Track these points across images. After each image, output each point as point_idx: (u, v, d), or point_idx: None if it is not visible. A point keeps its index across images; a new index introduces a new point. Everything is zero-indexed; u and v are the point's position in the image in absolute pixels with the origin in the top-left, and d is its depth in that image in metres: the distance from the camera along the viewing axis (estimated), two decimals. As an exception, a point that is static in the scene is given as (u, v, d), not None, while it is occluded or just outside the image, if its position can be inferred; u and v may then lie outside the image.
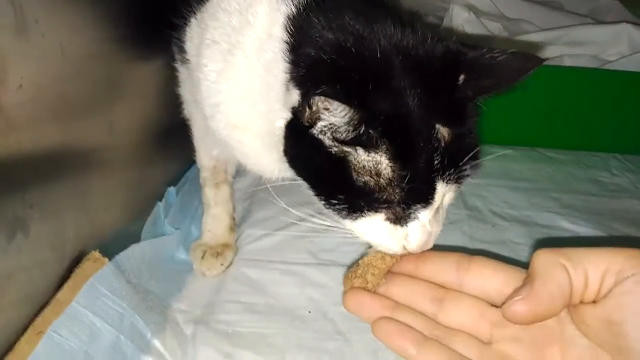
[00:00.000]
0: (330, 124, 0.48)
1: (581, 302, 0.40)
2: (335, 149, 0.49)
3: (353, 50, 0.49)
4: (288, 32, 0.53)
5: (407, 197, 0.49)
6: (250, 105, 0.56)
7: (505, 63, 0.50)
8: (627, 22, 1.25)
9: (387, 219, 0.50)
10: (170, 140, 0.85)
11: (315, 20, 0.52)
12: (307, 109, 0.49)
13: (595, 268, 0.38)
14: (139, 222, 0.76)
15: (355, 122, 0.46)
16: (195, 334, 0.65)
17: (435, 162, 0.48)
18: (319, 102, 0.47)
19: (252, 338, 0.66)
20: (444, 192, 0.50)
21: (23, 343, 0.50)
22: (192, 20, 0.64)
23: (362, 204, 0.50)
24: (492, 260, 0.47)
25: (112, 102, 0.67)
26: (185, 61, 0.68)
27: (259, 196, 0.94)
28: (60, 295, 0.55)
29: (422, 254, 0.50)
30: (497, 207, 0.97)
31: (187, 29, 0.65)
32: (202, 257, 0.76)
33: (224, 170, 0.81)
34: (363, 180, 0.49)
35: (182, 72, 0.73)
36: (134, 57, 0.73)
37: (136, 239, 0.73)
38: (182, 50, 0.68)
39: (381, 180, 0.48)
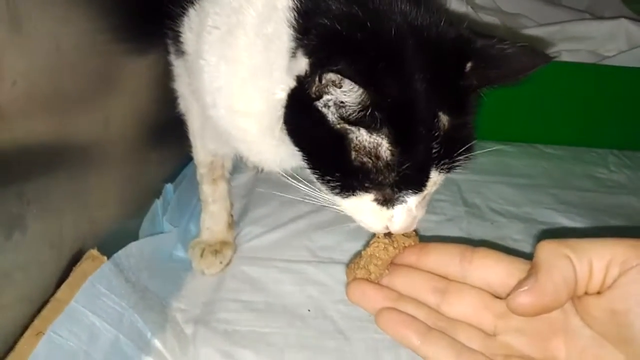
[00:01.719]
0: (337, 101, 0.47)
1: (585, 293, 0.39)
2: (338, 125, 0.48)
3: (368, 24, 0.48)
4: (290, 12, 0.51)
5: (400, 181, 0.49)
6: (251, 85, 0.55)
7: (514, 56, 0.49)
8: (625, 17, 1.25)
9: (376, 199, 0.50)
10: (168, 136, 0.84)
11: None
12: (317, 81, 0.47)
13: (599, 258, 0.38)
14: (137, 219, 0.76)
15: (365, 104, 0.46)
16: (195, 333, 0.65)
17: (434, 150, 0.48)
18: (332, 77, 0.46)
19: (252, 337, 0.66)
20: (435, 181, 0.50)
21: (23, 343, 0.49)
22: (191, 10, 0.63)
23: (356, 183, 0.50)
24: (495, 251, 0.46)
25: (108, 97, 0.67)
26: (180, 54, 0.68)
27: (256, 193, 0.93)
28: (59, 294, 0.54)
29: (425, 246, 0.50)
30: (496, 203, 0.97)
31: (186, 19, 0.64)
32: (201, 255, 0.76)
33: (221, 165, 0.80)
34: (361, 160, 0.48)
35: (178, 66, 0.72)
36: (130, 51, 0.72)
37: (134, 236, 0.72)
38: (178, 42, 0.67)
39: (379, 162, 0.48)
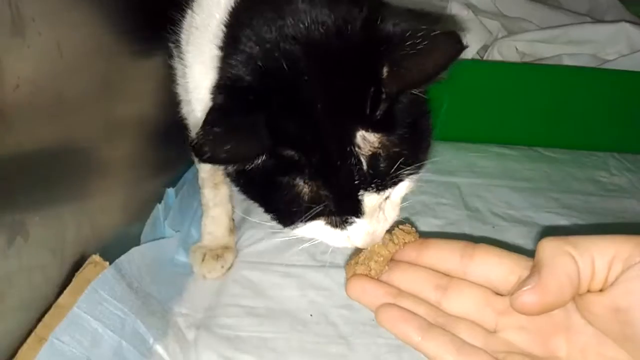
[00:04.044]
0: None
1: (587, 291, 0.39)
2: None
3: (259, 64, 0.46)
4: (222, 30, 0.51)
5: (334, 209, 0.47)
6: None
7: (430, 50, 0.43)
8: (626, 21, 1.25)
9: (328, 223, 0.49)
10: (169, 140, 0.84)
11: (241, 18, 0.50)
12: None
13: (602, 255, 0.37)
14: (138, 224, 0.75)
15: (257, 153, 0.44)
16: (197, 338, 0.65)
17: (357, 175, 0.45)
18: None
19: (254, 342, 0.66)
20: (378, 199, 0.48)
21: (25, 350, 0.49)
22: (189, 11, 0.63)
23: (294, 217, 0.48)
24: (497, 248, 0.46)
25: (110, 102, 0.66)
26: (180, 57, 0.68)
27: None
28: (61, 300, 0.54)
29: (425, 242, 0.49)
30: (497, 207, 0.96)
31: (184, 22, 0.64)
32: (203, 260, 0.76)
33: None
34: (287, 198, 0.47)
35: (179, 70, 0.72)
36: (132, 55, 0.72)
37: (136, 241, 0.72)
38: (179, 45, 0.67)
39: (302, 199, 0.47)
